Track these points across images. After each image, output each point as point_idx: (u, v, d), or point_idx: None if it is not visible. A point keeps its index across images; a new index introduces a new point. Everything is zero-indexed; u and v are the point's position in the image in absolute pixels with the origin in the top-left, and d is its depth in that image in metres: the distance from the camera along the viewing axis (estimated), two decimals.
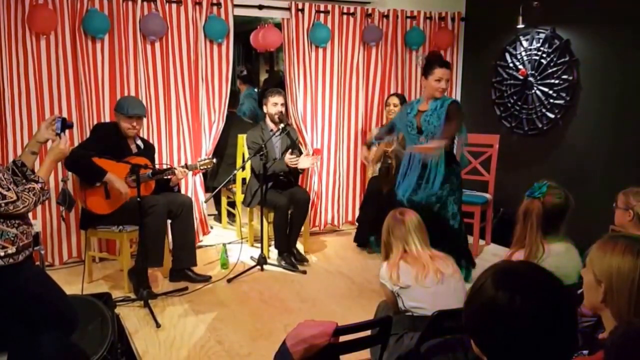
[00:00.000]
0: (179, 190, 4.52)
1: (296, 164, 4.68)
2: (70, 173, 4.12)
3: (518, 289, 1.18)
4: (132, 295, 3.99)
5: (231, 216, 5.85)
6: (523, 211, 2.60)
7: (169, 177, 4.17)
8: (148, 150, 4.30)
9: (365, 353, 2.62)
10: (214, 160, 4.40)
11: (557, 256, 2.52)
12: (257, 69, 9.58)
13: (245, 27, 5.91)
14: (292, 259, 4.69)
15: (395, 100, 5.21)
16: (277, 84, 6.95)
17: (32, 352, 2.53)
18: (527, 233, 2.56)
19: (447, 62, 4.13)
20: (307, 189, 5.38)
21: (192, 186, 4.99)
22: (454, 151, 4.26)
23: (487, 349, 1.21)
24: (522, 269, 1.28)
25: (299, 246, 4.95)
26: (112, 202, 4.00)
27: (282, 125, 4.67)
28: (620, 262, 1.53)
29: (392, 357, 2.45)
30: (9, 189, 2.41)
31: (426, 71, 4.00)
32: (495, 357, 1.21)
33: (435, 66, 3.96)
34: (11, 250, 2.43)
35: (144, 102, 4.56)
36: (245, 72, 6.72)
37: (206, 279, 4.33)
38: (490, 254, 5.03)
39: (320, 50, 5.29)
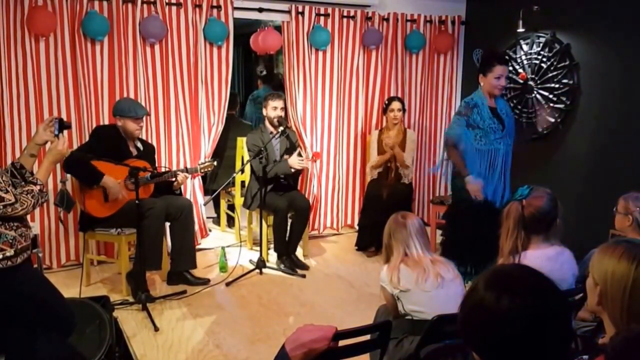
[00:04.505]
0: (181, 194, 4.51)
1: (303, 166, 4.69)
2: (69, 175, 4.12)
3: (506, 290, 1.17)
4: (131, 299, 3.98)
5: (230, 219, 5.83)
6: (505, 213, 2.61)
7: (171, 179, 4.16)
8: (148, 151, 4.29)
9: (365, 357, 2.61)
10: (215, 162, 4.39)
11: (549, 260, 2.51)
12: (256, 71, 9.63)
13: (245, 29, 5.92)
14: (291, 263, 4.68)
15: (398, 105, 5.19)
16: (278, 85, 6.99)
17: (29, 355, 2.52)
18: (503, 234, 2.57)
19: (506, 58, 4.09)
20: (307, 193, 5.37)
21: (192, 189, 4.98)
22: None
23: (479, 350, 1.21)
24: (513, 270, 1.29)
25: (299, 250, 4.93)
26: (110, 205, 3.98)
27: (281, 128, 4.67)
28: (615, 266, 1.52)
29: None
30: (7, 191, 2.40)
31: (484, 68, 3.94)
32: (487, 359, 1.20)
33: (494, 63, 3.89)
34: (9, 252, 2.43)
35: (143, 104, 4.55)
36: (264, 72, 6.94)
37: (204, 281, 4.32)
38: None
39: (320, 53, 5.29)
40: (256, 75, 7.13)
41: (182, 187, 4.67)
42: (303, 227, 4.81)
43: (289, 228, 4.74)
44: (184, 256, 4.27)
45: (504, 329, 1.15)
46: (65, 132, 2.74)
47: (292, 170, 4.72)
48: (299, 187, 5.25)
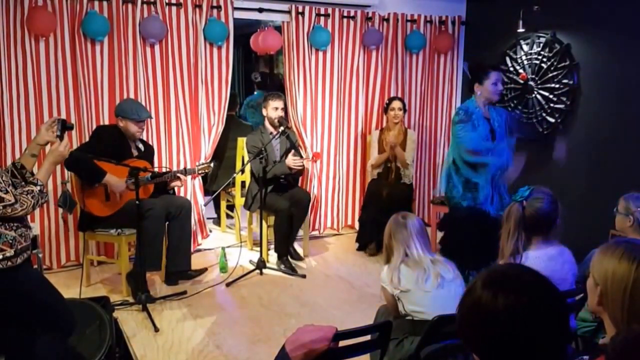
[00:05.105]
0: (174, 193, 4.50)
1: (301, 166, 4.67)
2: (69, 175, 4.11)
3: (502, 288, 1.17)
4: (131, 299, 3.98)
5: (230, 219, 5.83)
6: (505, 215, 2.60)
7: (171, 180, 4.16)
8: (148, 152, 4.29)
9: (366, 358, 2.61)
10: (212, 164, 4.40)
11: (550, 261, 2.51)
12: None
13: (245, 30, 5.91)
14: (290, 261, 4.68)
15: (398, 104, 5.20)
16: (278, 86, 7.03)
17: (29, 355, 2.52)
18: (504, 236, 2.56)
19: (499, 65, 4.12)
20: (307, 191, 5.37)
21: (192, 189, 4.98)
22: None
23: (478, 350, 1.20)
24: (510, 269, 1.29)
25: (299, 250, 4.93)
26: (111, 204, 3.98)
27: (281, 128, 4.67)
28: (616, 266, 1.52)
29: None
30: (7, 192, 2.40)
31: (480, 76, 3.93)
32: (485, 358, 1.20)
33: (489, 70, 3.92)
34: (9, 253, 2.42)
35: (143, 104, 4.56)
36: (259, 79, 7.06)
37: (201, 272, 4.42)
38: None
39: (321, 54, 5.28)
40: (252, 80, 7.25)
41: (182, 186, 4.68)
42: (302, 218, 4.83)
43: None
44: (179, 256, 4.28)
45: (501, 328, 1.14)
46: (67, 133, 2.74)
47: (292, 171, 4.71)
48: (300, 186, 5.25)
